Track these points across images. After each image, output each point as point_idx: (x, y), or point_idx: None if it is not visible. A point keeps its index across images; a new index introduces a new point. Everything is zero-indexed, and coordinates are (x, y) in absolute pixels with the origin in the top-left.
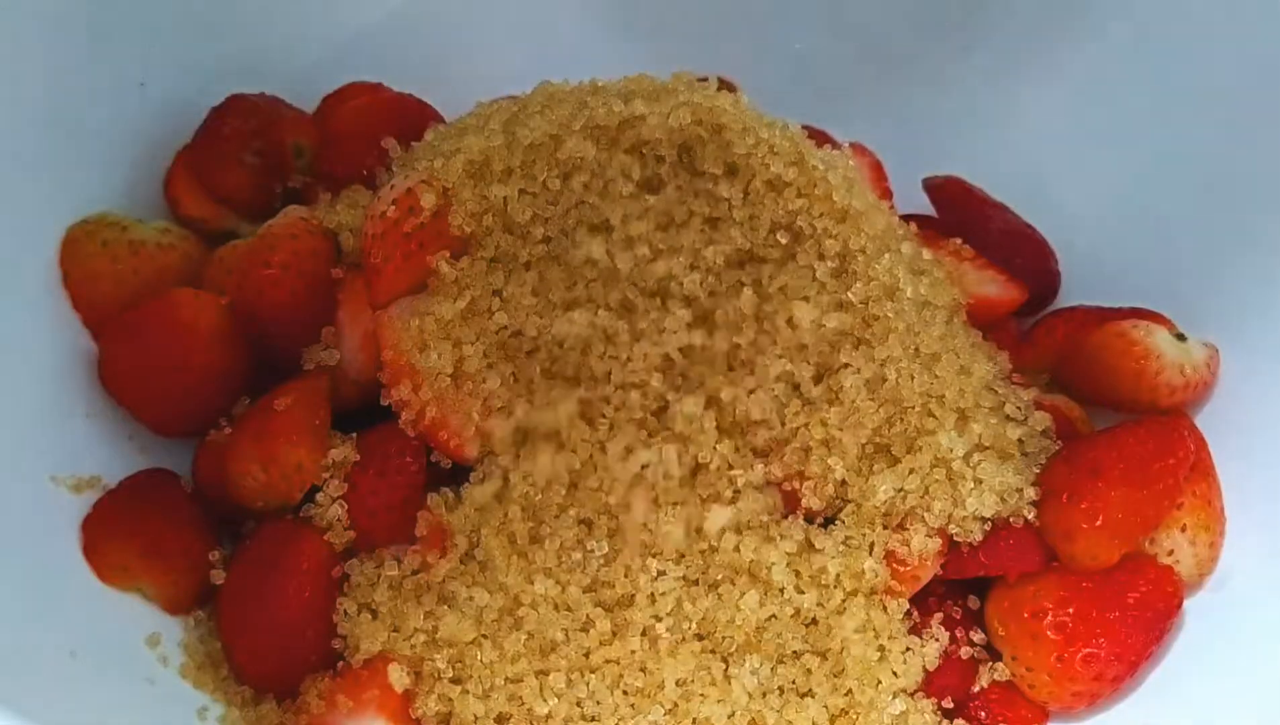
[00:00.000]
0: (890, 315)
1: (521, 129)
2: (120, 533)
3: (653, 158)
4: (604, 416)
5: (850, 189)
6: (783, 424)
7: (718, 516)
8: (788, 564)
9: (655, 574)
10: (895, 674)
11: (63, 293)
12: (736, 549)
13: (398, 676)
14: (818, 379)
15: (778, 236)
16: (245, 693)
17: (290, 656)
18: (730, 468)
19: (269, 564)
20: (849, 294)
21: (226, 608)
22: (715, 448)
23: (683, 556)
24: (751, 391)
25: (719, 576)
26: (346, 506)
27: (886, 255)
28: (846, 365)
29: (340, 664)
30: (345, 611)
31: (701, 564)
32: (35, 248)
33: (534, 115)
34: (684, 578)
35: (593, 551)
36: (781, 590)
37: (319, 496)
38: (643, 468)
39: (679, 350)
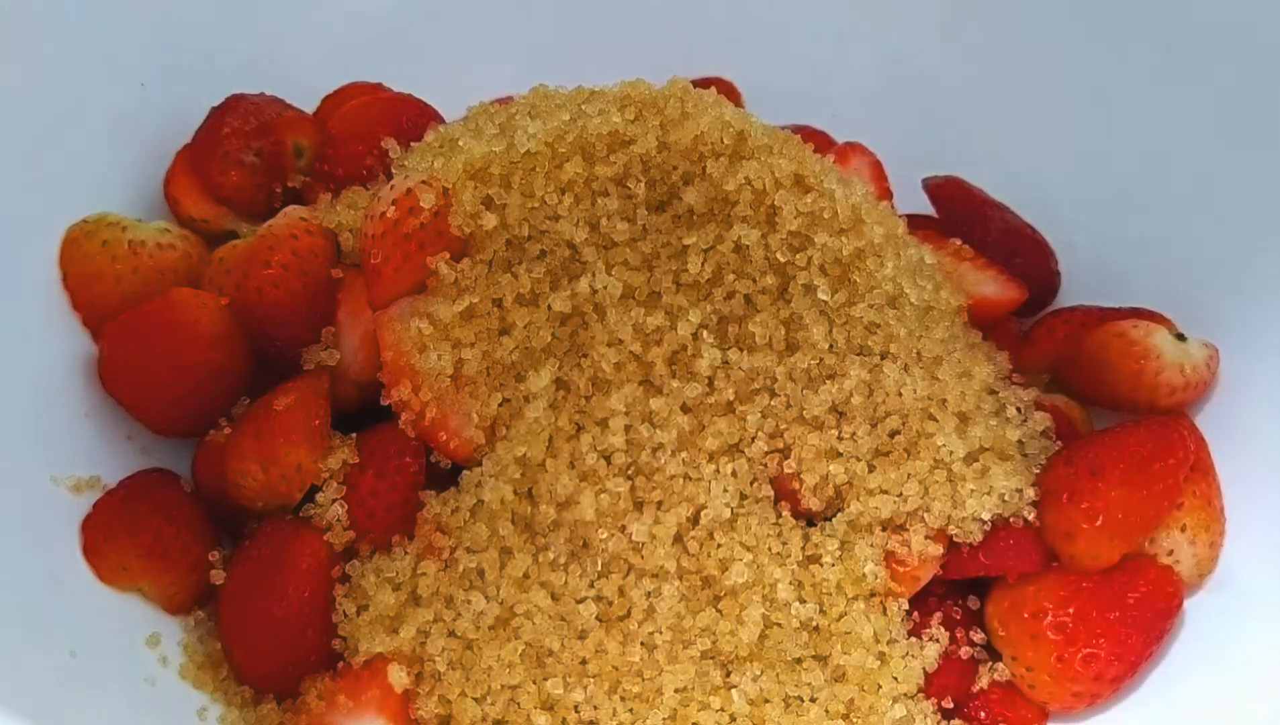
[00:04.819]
0: (893, 322)
1: (519, 134)
2: (120, 533)
3: (646, 181)
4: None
5: (853, 199)
6: (784, 436)
7: (719, 538)
8: (790, 578)
9: (650, 591)
10: (896, 679)
11: (63, 293)
12: (740, 570)
13: (398, 677)
14: (819, 389)
15: (777, 256)
16: (245, 693)
17: (290, 656)
18: (729, 490)
19: (269, 564)
20: (852, 308)
21: (226, 608)
22: (713, 480)
23: (680, 578)
24: (751, 413)
25: (720, 591)
26: (346, 506)
27: (890, 263)
28: (848, 376)
29: (340, 664)
30: (345, 612)
31: (701, 581)
32: (35, 248)
33: (531, 120)
34: (683, 595)
35: (586, 568)
36: (787, 604)
37: (319, 496)
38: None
39: (666, 390)
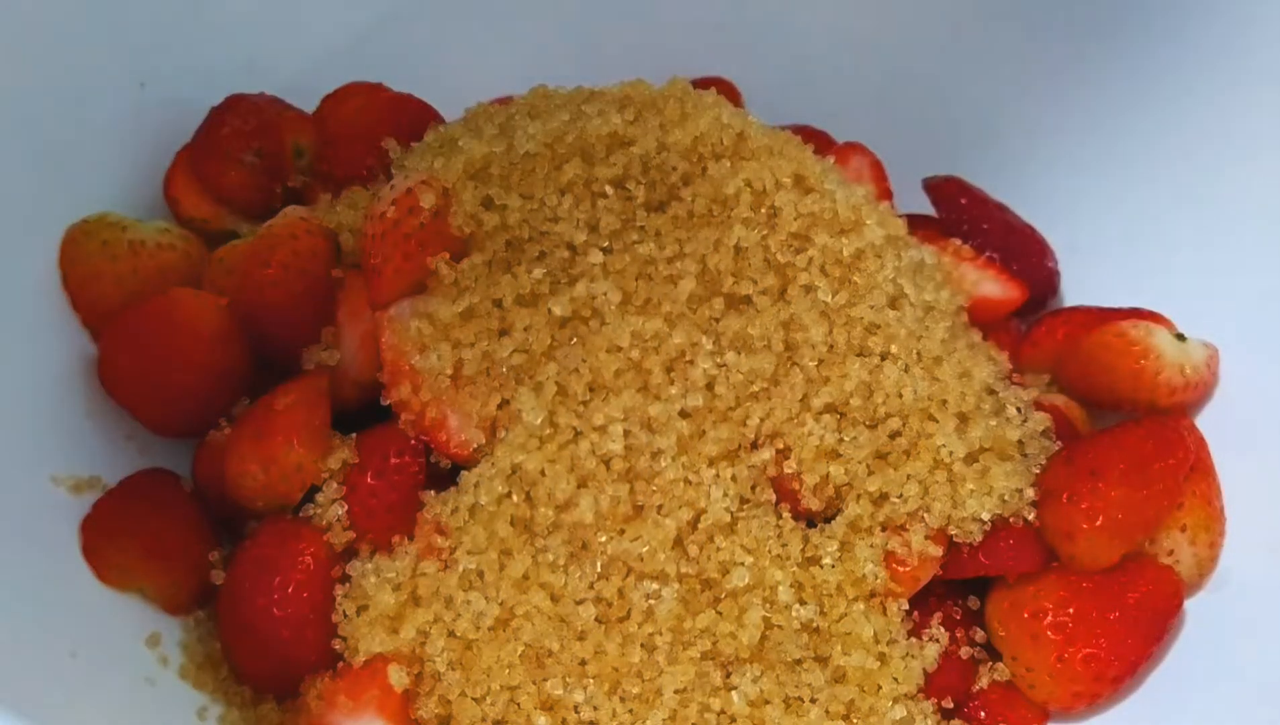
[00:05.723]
0: (893, 323)
1: (519, 134)
2: (120, 533)
3: (645, 182)
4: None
5: (853, 199)
6: (784, 437)
7: (719, 541)
8: (791, 580)
9: (649, 593)
10: (896, 680)
11: (63, 293)
12: (741, 574)
13: (398, 677)
14: (819, 391)
15: (777, 257)
16: (245, 693)
17: (290, 656)
18: (729, 494)
19: (269, 564)
20: (852, 309)
21: (226, 608)
22: (712, 485)
23: (679, 581)
24: (751, 416)
25: (720, 594)
26: (346, 506)
27: (890, 264)
28: (848, 377)
29: (340, 664)
30: (345, 612)
31: (700, 584)
32: (35, 248)
33: (531, 121)
34: (683, 597)
35: (585, 570)
36: (787, 606)
37: (319, 496)
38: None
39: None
